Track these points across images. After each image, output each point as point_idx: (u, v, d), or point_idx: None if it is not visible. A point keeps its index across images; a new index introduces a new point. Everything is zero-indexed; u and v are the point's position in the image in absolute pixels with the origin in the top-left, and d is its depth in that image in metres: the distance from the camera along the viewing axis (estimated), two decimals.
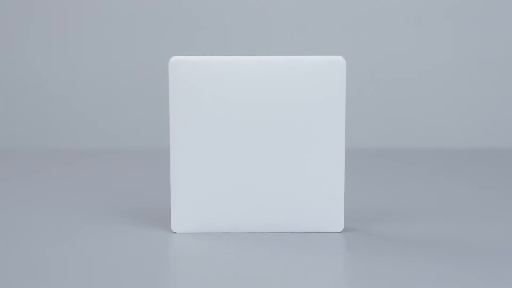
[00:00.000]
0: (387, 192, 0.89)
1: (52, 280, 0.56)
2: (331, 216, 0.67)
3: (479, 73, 1.40)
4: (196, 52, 1.36)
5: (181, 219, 0.67)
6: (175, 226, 0.68)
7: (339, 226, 0.68)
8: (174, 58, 0.66)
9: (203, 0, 1.40)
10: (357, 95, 1.37)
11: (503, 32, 1.39)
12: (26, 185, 0.94)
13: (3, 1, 1.40)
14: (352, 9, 1.40)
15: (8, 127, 1.42)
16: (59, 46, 1.42)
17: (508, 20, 1.38)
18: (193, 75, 0.66)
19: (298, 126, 0.66)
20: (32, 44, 1.42)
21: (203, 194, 0.67)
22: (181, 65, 0.66)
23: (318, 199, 0.67)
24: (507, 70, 1.39)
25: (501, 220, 0.74)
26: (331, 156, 0.67)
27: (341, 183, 0.67)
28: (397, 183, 0.95)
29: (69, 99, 1.42)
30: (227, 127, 0.66)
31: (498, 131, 1.37)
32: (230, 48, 1.39)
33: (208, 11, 1.40)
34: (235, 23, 1.40)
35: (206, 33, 1.40)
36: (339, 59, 0.66)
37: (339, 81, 0.66)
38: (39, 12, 1.41)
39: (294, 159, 0.67)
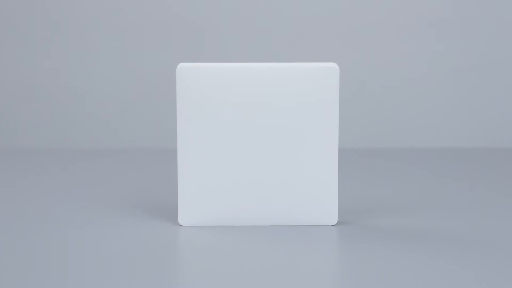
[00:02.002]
0: (378, 188, 0.89)
1: (69, 266, 0.57)
2: (326, 211, 0.68)
3: (462, 79, 1.40)
4: (201, 59, 1.36)
5: (187, 213, 0.68)
6: (182, 219, 0.68)
7: (333, 219, 0.68)
8: (181, 65, 0.66)
9: (207, 12, 1.40)
10: (352, 98, 1.37)
11: (483, 40, 1.39)
12: (44, 181, 0.94)
13: (30, 18, 1.41)
14: (347, 20, 1.40)
15: (29, 128, 1.42)
16: (76, 55, 1.42)
17: (487, 29, 1.39)
18: (198, 80, 0.66)
19: (295, 127, 0.67)
20: (52, 54, 1.42)
21: (208, 190, 0.67)
22: (187, 71, 0.66)
23: (313, 195, 0.67)
24: (486, 76, 1.40)
25: (487, 215, 0.74)
26: (325, 155, 0.67)
27: (335, 180, 0.67)
28: (388, 180, 0.95)
29: (85, 103, 1.42)
30: (230, 128, 0.67)
31: (482, 131, 1.38)
32: (232, 55, 1.40)
33: (211, 21, 1.40)
34: (238, 33, 1.40)
35: (210, 41, 1.40)
36: (333, 66, 0.66)
37: (333, 86, 0.66)
38: (59, 25, 1.42)
39: (292, 158, 0.67)
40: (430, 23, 1.38)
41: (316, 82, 0.66)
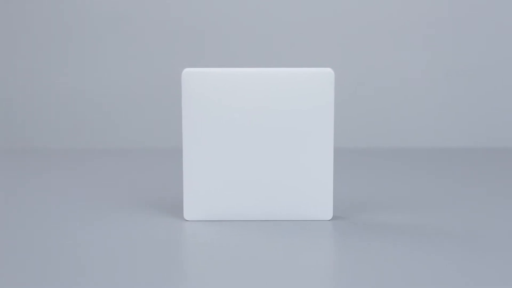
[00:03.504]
0: (371, 185, 0.90)
1: (82, 258, 0.57)
2: (322, 206, 0.69)
3: (459, 80, 1.40)
4: (205, 64, 1.37)
5: (192, 208, 0.69)
6: (187, 214, 0.69)
7: (328, 214, 0.69)
8: (186, 70, 0.67)
9: (211, 20, 1.41)
10: (350, 99, 1.38)
11: (480, 42, 1.39)
12: (56, 180, 0.94)
13: (47, 27, 1.41)
14: (345, 22, 1.41)
15: (44, 129, 1.43)
16: (77, 57, 1.43)
17: (484, 30, 1.39)
18: (202, 84, 0.67)
19: (293, 129, 0.68)
20: (57, 57, 1.43)
21: (212, 187, 0.68)
22: (192, 76, 0.67)
23: (310, 191, 0.68)
24: (483, 76, 1.40)
25: (485, 214, 0.73)
26: (321, 154, 0.68)
27: (330, 178, 0.68)
28: (381, 178, 0.96)
29: (95, 105, 1.43)
30: (232, 129, 0.68)
31: (479, 131, 1.38)
32: (233, 58, 1.40)
33: (214, 28, 1.41)
34: (238, 37, 1.41)
35: (212, 45, 1.41)
36: (329, 71, 0.67)
37: (328, 89, 0.67)
38: (65, 28, 1.43)
39: (290, 157, 0.68)
40: (428, 24, 1.38)
41: (313, 86, 0.67)
